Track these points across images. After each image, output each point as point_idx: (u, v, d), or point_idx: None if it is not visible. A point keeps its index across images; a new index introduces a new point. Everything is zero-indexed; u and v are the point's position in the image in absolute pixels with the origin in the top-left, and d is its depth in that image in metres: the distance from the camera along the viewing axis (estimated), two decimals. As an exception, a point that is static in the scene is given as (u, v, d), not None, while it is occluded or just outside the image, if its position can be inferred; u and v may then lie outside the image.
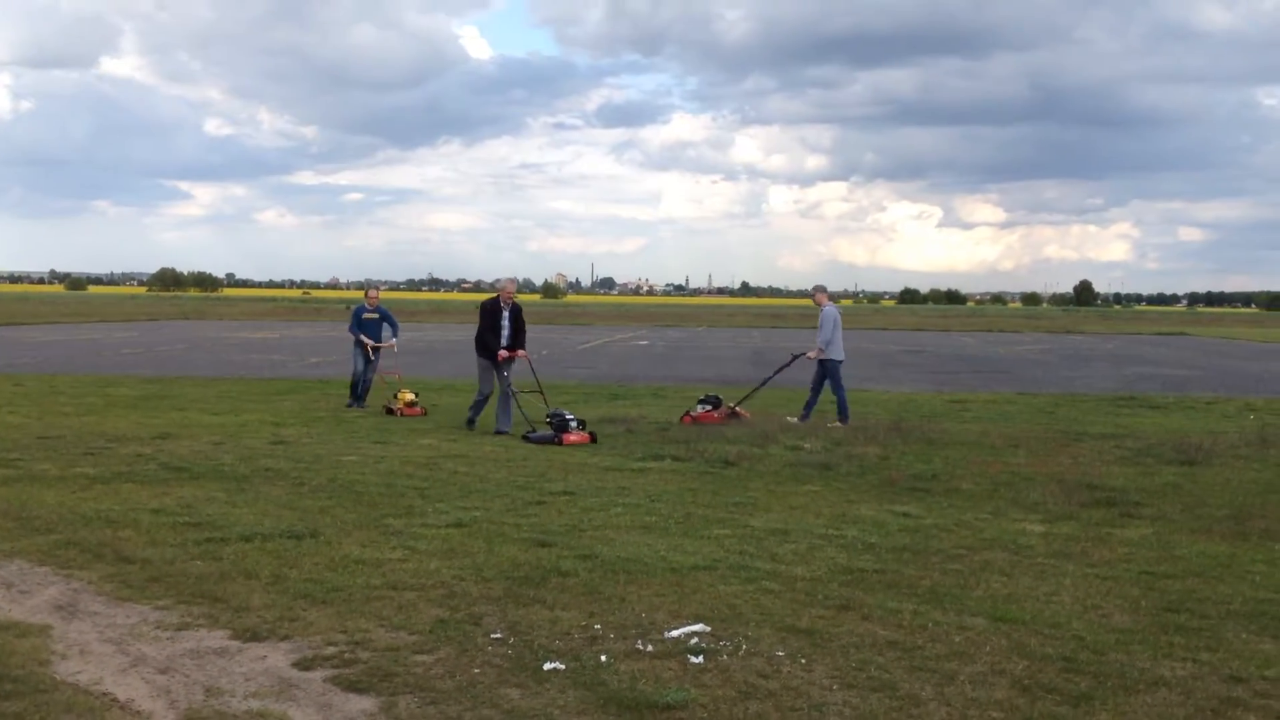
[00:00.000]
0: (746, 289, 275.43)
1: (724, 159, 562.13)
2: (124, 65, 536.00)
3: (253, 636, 4.93)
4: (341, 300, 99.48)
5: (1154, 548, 6.90)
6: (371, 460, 10.02)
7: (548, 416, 11.78)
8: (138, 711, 4.14)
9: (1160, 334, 53.21)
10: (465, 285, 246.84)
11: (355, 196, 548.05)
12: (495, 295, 12.97)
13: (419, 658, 4.67)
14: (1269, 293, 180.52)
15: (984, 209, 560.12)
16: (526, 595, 5.59)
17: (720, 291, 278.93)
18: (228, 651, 4.75)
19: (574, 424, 11.50)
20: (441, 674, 4.48)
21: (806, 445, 11.13)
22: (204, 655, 4.71)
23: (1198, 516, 7.90)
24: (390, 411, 13.84)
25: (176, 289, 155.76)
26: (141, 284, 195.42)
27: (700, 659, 4.67)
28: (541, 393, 12.90)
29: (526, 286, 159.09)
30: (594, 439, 11.40)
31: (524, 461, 10.15)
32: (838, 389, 13.49)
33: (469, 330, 14.97)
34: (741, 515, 7.73)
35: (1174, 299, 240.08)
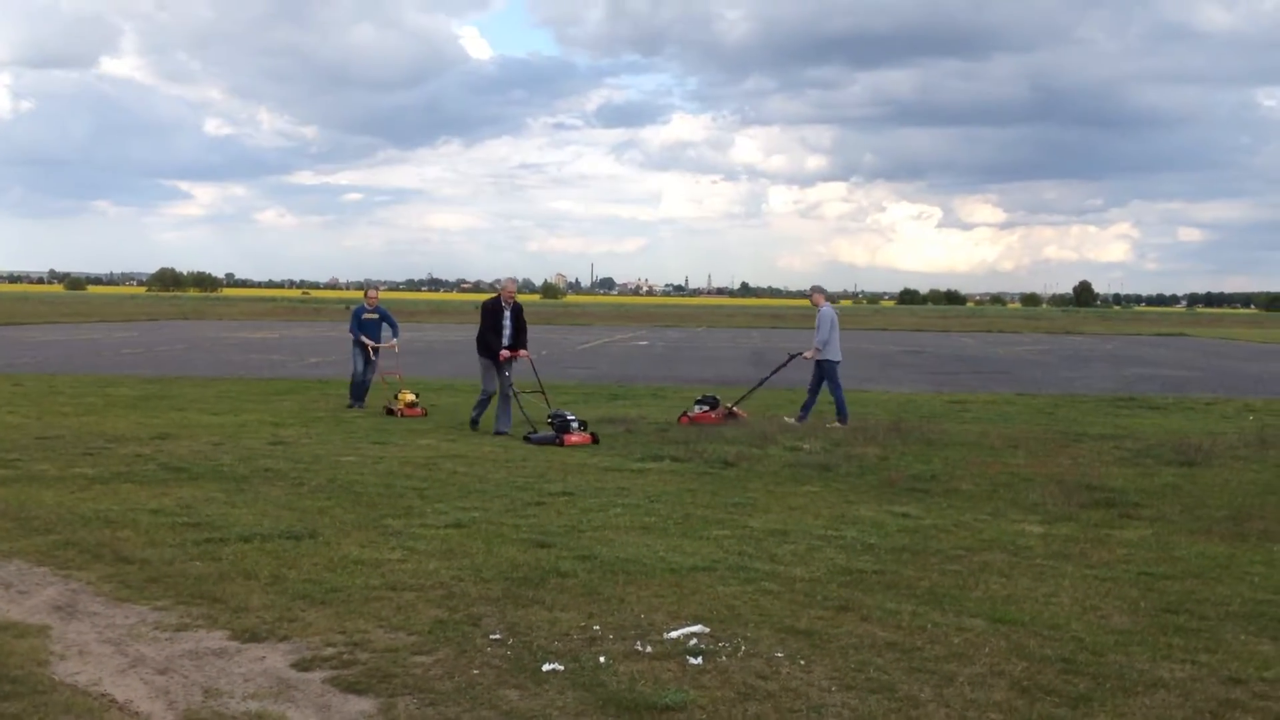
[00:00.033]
0: (746, 289, 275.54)
1: (724, 159, 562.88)
2: (124, 65, 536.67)
3: (251, 637, 4.93)
4: (341, 300, 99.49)
5: (1153, 549, 6.91)
6: (370, 461, 10.02)
7: (549, 417, 11.76)
8: (136, 712, 4.14)
9: (1160, 335, 53.22)
10: (465, 285, 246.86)
11: (355, 196, 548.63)
12: (496, 295, 12.97)
13: (418, 659, 4.66)
14: (1268, 293, 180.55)
15: (983, 210, 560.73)
16: (525, 596, 5.58)
17: (720, 292, 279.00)
18: (226, 652, 4.75)
19: (575, 425, 11.48)
20: (440, 675, 4.48)
21: (806, 446, 11.13)
22: (203, 656, 4.71)
23: (1197, 517, 7.90)
24: (391, 412, 13.84)
25: (176, 289, 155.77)
26: (141, 284, 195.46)
27: (699, 660, 4.67)
28: (543, 393, 12.89)
29: (526, 287, 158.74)
30: (596, 440, 11.38)
31: (523, 462, 10.15)
32: (835, 389, 13.49)
33: (468, 330, 14.95)
34: (740, 516, 7.72)
35: (1173, 300, 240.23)
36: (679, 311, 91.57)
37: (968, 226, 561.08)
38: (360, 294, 17.82)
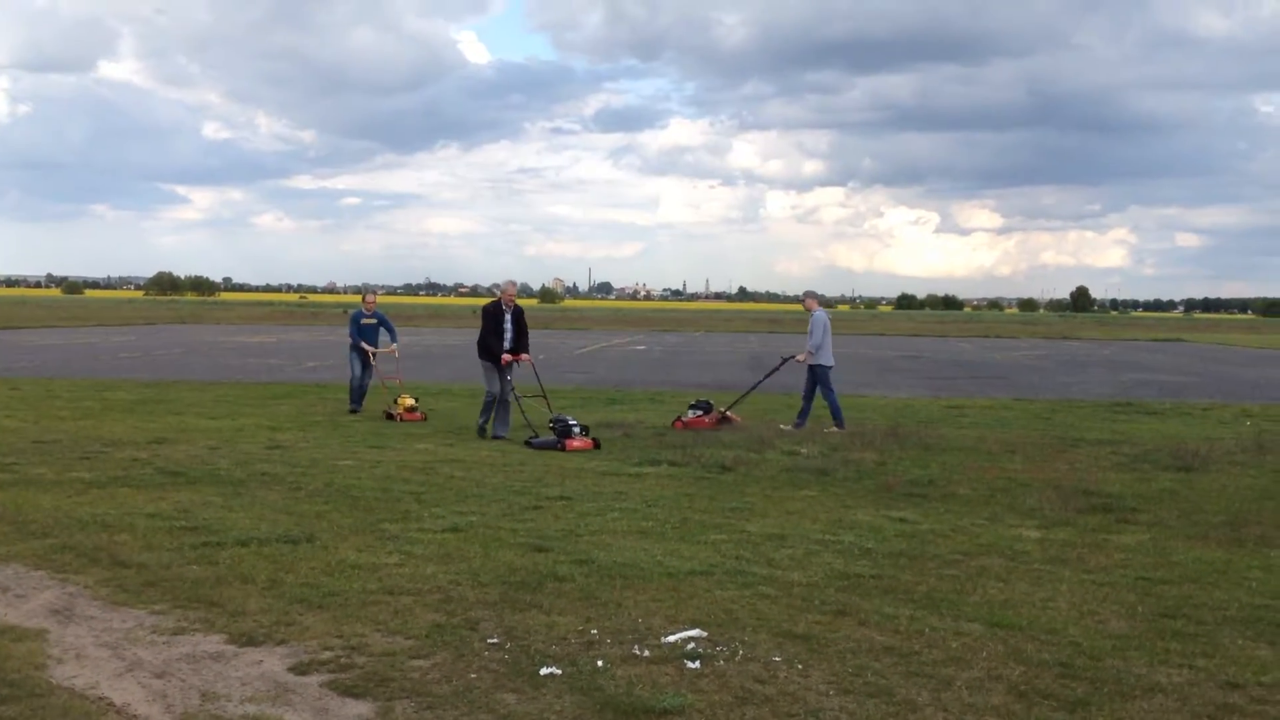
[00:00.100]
0: (744, 294, 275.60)
1: (722, 164, 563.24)
2: (122, 69, 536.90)
3: (249, 641, 4.92)
4: (339, 304, 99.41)
5: (1150, 554, 6.91)
6: (368, 465, 10.01)
7: (551, 422, 11.74)
8: (134, 716, 4.13)
9: (1157, 340, 53.27)
10: (463, 290, 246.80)
11: (353, 201, 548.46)
12: (496, 299, 12.96)
13: (415, 663, 4.66)
14: (1265, 299, 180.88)
15: (981, 215, 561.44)
16: (523, 600, 5.58)
17: (718, 296, 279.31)
18: (224, 656, 4.75)
19: (577, 429, 11.45)
20: (438, 679, 4.47)
21: (803, 450, 11.14)
22: (200, 660, 4.70)
23: (1194, 523, 7.91)
24: (390, 417, 13.83)
25: (173, 293, 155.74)
26: (138, 288, 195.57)
27: (697, 664, 4.67)
28: (545, 397, 12.89)
29: (524, 291, 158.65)
30: (597, 445, 11.34)
31: (521, 466, 10.15)
32: (828, 394, 13.49)
33: (466, 335, 14.94)
34: (738, 520, 7.72)
35: (1170, 305, 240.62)
36: (677, 316, 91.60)
37: (965, 232, 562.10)
38: (358, 298, 17.83)
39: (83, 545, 6.62)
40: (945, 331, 60.98)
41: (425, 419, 13.80)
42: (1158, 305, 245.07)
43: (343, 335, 16.81)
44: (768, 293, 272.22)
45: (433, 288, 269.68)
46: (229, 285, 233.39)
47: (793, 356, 14.23)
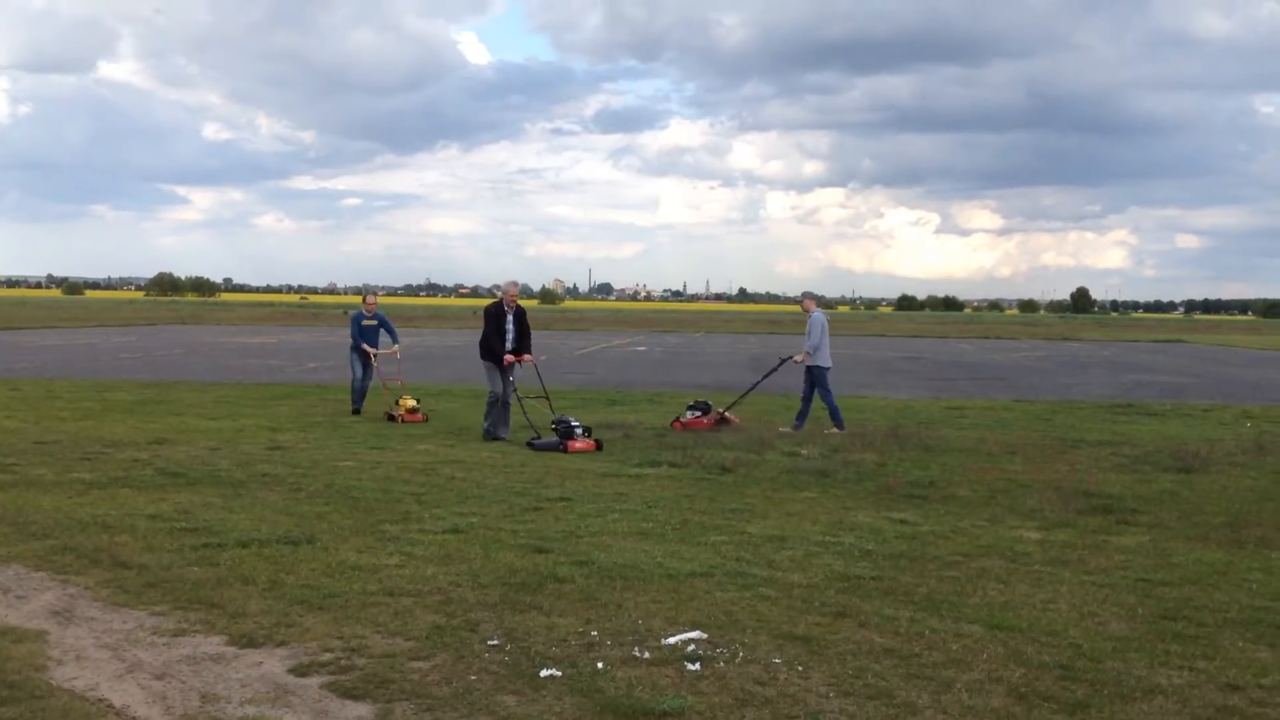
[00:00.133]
0: (744, 295, 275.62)
1: (722, 165, 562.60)
2: (122, 69, 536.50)
3: (249, 643, 4.92)
4: (339, 305, 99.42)
5: (1151, 555, 6.91)
6: (368, 466, 10.01)
7: (553, 423, 11.73)
8: (134, 717, 4.13)
9: (1157, 341, 53.29)
10: (463, 290, 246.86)
11: (353, 201, 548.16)
12: (498, 299, 12.95)
13: (415, 664, 4.66)
14: (1265, 300, 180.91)
15: (981, 216, 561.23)
16: (523, 602, 5.58)
17: (718, 297, 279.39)
18: (224, 657, 4.75)
19: (580, 431, 11.44)
20: (438, 680, 4.47)
21: (804, 452, 11.14)
22: (200, 661, 4.70)
23: (1194, 524, 7.91)
24: (392, 418, 13.84)
25: (174, 294, 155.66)
26: (139, 288, 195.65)
27: (697, 666, 4.67)
28: (547, 398, 12.89)
29: (524, 292, 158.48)
30: (599, 446, 11.33)
31: (521, 467, 10.15)
32: (826, 395, 13.49)
33: (466, 336, 14.96)
34: (738, 522, 7.72)
35: (1171, 306, 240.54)
36: (677, 317, 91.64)
37: (966, 232, 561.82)
38: (358, 299, 17.83)
39: (83, 546, 6.63)
40: (945, 333, 60.99)
41: (427, 420, 13.80)
42: (1158, 306, 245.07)
43: (343, 336, 16.82)
44: (768, 294, 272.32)
45: (433, 288, 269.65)
46: (229, 286, 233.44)
47: (790, 357, 14.23)
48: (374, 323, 15.28)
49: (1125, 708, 4.31)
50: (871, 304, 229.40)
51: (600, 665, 4.65)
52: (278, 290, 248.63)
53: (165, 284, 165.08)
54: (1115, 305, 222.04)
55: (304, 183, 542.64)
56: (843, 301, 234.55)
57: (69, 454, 10.35)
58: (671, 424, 13.45)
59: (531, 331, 12.99)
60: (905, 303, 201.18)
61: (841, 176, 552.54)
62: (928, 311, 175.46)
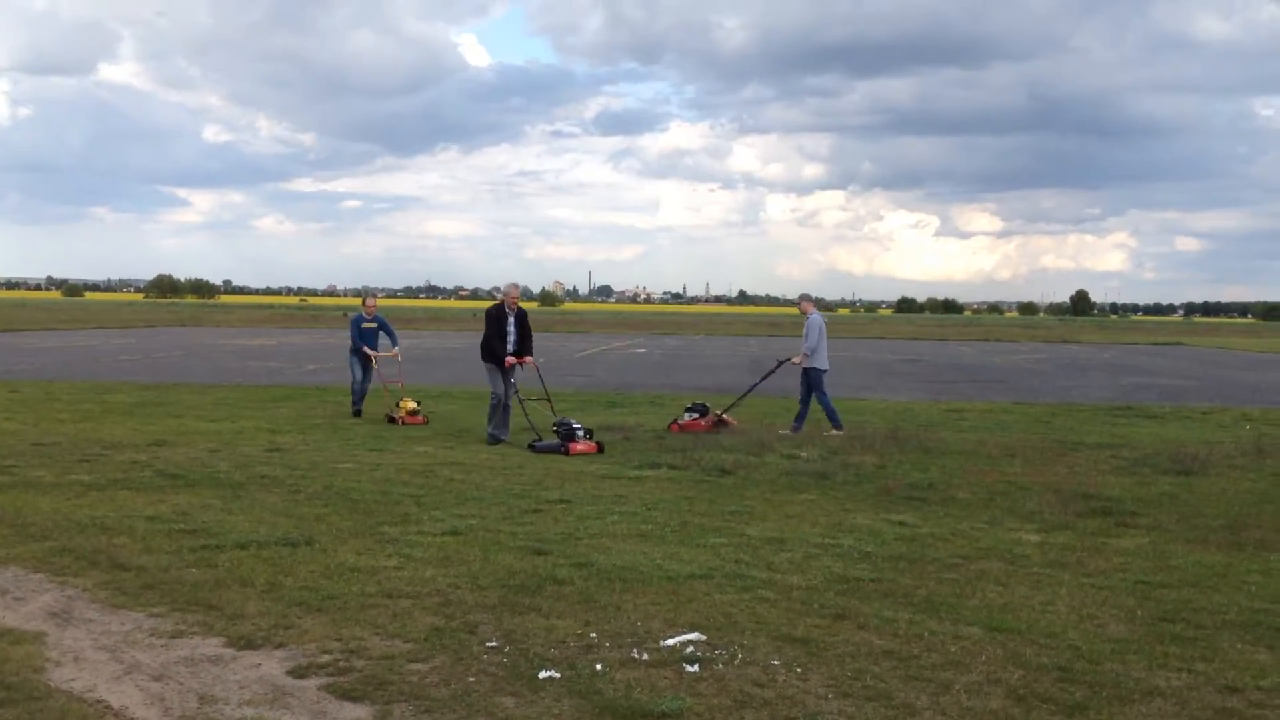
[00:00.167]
0: (744, 297, 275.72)
1: (722, 167, 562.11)
2: (122, 71, 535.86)
3: (247, 644, 4.92)
4: (338, 307, 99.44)
5: (1150, 557, 6.91)
6: (367, 468, 10.01)
7: (555, 425, 11.73)
8: (131, 719, 4.13)
9: (1157, 344, 53.32)
10: (462, 293, 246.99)
11: (353, 203, 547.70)
12: (500, 301, 12.95)
13: (414, 666, 4.66)
14: (1265, 303, 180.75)
15: (981, 218, 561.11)
16: (522, 603, 5.58)
17: (718, 300, 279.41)
18: (222, 659, 4.75)
19: (581, 433, 11.43)
20: (436, 682, 4.47)
21: (803, 454, 11.14)
22: (198, 663, 4.70)
23: (1193, 526, 7.91)
24: (392, 420, 13.84)
25: (174, 296, 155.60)
26: (139, 290, 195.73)
27: (696, 668, 4.67)
28: (549, 400, 12.88)
29: (524, 294, 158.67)
30: (601, 448, 11.31)
31: (520, 469, 10.15)
32: (821, 397, 13.50)
33: (466, 338, 14.96)
34: (738, 524, 7.72)
35: (1170, 309, 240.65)
36: (677, 319, 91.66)
37: (965, 235, 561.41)
38: (358, 301, 17.83)
39: (82, 548, 6.62)
40: (945, 335, 61.01)
41: (427, 422, 13.80)
42: (1157, 309, 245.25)
43: (342, 338, 16.81)
44: (768, 296, 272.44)
45: (433, 290, 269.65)
46: (229, 288, 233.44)
47: (789, 359, 14.25)
48: (374, 325, 15.28)
49: (1124, 709, 4.31)
50: (871, 306, 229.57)
51: (599, 667, 4.65)
52: (277, 292, 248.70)
53: (165, 286, 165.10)
54: (1115, 308, 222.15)
55: (304, 185, 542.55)
56: (843, 304, 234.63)
57: (68, 456, 10.34)
58: (669, 426, 13.45)
59: (533, 333, 12.99)
60: (905, 305, 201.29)
61: (841, 179, 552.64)
62: (927, 314, 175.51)
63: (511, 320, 12.58)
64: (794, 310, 15.60)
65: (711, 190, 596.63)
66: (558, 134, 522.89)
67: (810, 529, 7.58)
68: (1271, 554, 7.07)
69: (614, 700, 4.28)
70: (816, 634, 5.16)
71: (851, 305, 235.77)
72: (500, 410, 12.35)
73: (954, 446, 12.14)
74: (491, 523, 7.54)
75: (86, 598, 5.65)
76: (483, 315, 13.03)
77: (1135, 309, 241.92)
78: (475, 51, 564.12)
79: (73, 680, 4.50)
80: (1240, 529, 7.79)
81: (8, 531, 7.08)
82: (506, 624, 5.23)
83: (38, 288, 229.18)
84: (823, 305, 15.92)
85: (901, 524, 7.81)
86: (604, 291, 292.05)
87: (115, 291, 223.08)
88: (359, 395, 14.90)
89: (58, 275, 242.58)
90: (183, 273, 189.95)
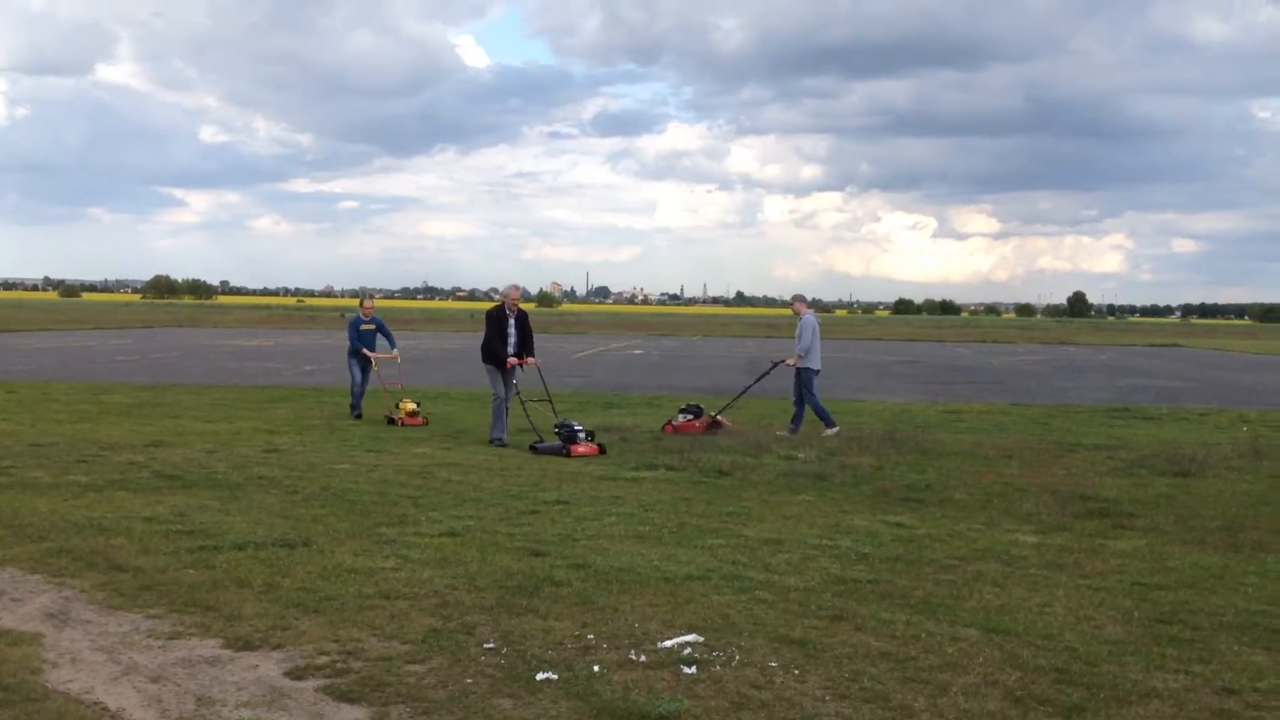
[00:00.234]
0: (741, 298, 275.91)
1: (719, 168, 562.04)
2: (120, 72, 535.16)
3: (245, 645, 4.92)
4: (335, 308, 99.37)
5: (1147, 559, 6.92)
6: (365, 469, 10.01)
7: (556, 427, 11.72)
8: (129, 720, 4.13)
9: (1154, 345, 53.36)
10: (460, 294, 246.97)
11: (350, 204, 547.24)
12: (500, 303, 12.94)
13: (411, 667, 4.66)
14: (1262, 305, 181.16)
15: (978, 220, 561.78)
16: (519, 605, 5.58)
17: (715, 301, 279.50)
18: (219, 660, 4.74)
19: (582, 435, 11.42)
20: (434, 684, 4.47)
21: (800, 455, 11.15)
22: (196, 664, 4.70)
23: (1191, 528, 7.92)
24: (392, 421, 13.83)
25: (171, 296, 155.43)
26: (136, 291, 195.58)
27: (693, 669, 4.67)
28: (550, 402, 12.88)
29: (522, 295, 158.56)
30: (602, 450, 11.29)
31: (518, 470, 10.15)
32: (810, 397, 13.50)
33: (464, 339, 14.95)
34: (735, 525, 7.73)
35: (1168, 311, 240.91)
36: (674, 320, 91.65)
37: (963, 236, 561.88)
38: (355, 301, 17.81)
39: (79, 549, 6.62)
40: (942, 336, 61.06)
41: (426, 423, 13.79)
42: (1155, 311, 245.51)
43: (339, 339, 16.80)
44: (765, 297, 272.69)
45: (430, 291, 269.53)
46: (226, 288, 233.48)
47: (783, 360, 14.26)
48: (371, 327, 15.26)
49: (1121, 711, 4.31)
50: (869, 308, 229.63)
51: (596, 668, 4.65)
52: (274, 293, 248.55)
53: (162, 286, 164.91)
54: (1112, 309, 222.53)
55: (301, 185, 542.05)
56: (840, 305, 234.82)
57: (65, 456, 10.33)
58: (663, 427, 13.45)
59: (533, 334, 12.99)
60: (902, 306, 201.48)
61: (839, 180, 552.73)
62: (925, 315, 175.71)
63: (512, 322, 12.57)
64: (790, 311, 15.58)
65: (709, 191, 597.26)
66: (555, 135, 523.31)
67: (807, 530, 7.59)
68: (1268, 555, 7.08)
69: (611, 702, 4.28)
70: (814, 635, 5.16)
71: (849, 306, 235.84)
72: (502, 412, 12.34)
73: (951, 448, 12.15)
74: (489, 524, 7.54)
75: (84, 599, 5.64)
76: (481, 316, 13.01)
77: (1132, 310, 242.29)
78: (473, 52, 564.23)
79: (70, 681, 4.50)
80: (1237, 530, 7.80)
81: (5, 532, 7.07)
82: (504, 625, 5.23)
83: (35, 288, 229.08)
84: (820, 306, 16.04)
85: (899, 525, 7.81)
86: (601, 293, 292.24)
87: (112, 292, 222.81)
88: (358, 397, 14.89)
89: (55, 276, 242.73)
90: (180, 273, 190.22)
